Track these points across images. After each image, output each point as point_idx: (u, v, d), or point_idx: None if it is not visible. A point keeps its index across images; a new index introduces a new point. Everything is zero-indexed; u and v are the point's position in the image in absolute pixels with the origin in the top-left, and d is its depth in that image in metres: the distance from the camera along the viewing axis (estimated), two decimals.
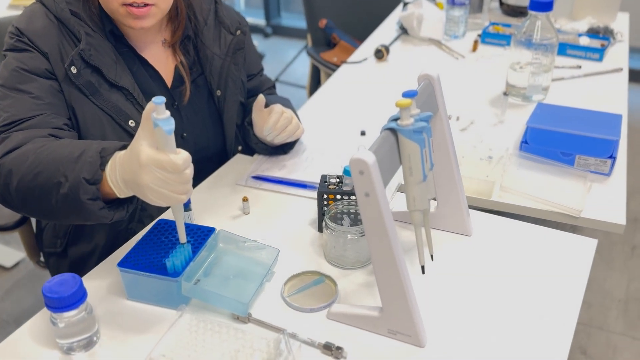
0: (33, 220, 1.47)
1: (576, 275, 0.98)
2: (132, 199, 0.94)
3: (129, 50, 1.18)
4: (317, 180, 1.20)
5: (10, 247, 2.31)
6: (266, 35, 4.44)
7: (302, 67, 3.56)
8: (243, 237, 1.00)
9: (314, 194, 1.19)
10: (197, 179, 1.28)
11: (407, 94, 0.82)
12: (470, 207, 1.11)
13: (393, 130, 0.83)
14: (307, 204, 1.18)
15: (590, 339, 1.90)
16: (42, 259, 1.51)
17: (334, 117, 1.56)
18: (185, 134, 1.25)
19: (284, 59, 3.76)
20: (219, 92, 1.28)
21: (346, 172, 1.07)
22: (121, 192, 0.88)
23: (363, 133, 1.44)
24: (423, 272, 0.91)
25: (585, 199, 1.17)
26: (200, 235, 0.97)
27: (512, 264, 1.01)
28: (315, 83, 2.69)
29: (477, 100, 1.61)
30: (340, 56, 2.35)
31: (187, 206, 1.06)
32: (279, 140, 1.24)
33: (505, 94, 1.49)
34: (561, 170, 1.24)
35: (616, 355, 1.85)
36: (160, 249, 0.94)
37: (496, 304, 0.93)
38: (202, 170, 1.30)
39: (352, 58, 1.93)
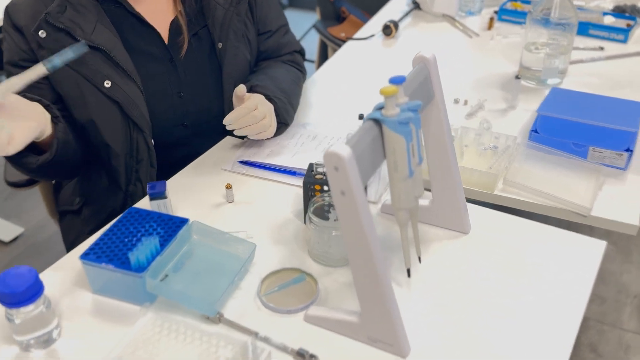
0: None
1: (579, 282, 0.90)
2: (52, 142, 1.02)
3: (120, 6, 1.13)
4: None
5: (10, 221, 2.28)
6: (282, 7, 4.32)
7: (316, 41, 3.44)
8: (218, 230, 0.93)
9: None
10: (200, 144, 1.22)
11: (393, 80, 0.74)
12: (471, 200, 1.02)
13: (377, 121, 0.75)
14: (296, 193, 1.11)
15: (602, 337, 1.81)
16: None
17: (333, 99, 1.47)
18: (182, 93, 1.18)
19: (301, 32, 3.64)
20: (220, 45, 1.20)
21: None
22: None
23: (361, 117, 1.35)
24: (409, 275, 0.83)
25: (595, 195, 1.07)
26: (171, 226, 0.90)
27: (512, 265, 0.93)
28: (323, 59, 2.59)
29: (488, 82, 1.51)
30: (348, 31, 2.25)
31: (162, 194, 0.99)
32: (240, 133, 1.13)
33: (517, 77, 1.38)
34: (572, 163, 1.14)
35: (628, 354, 1.76)
36: (128, 240, 0.88)
37: (492, 310, 0.85)
38: (204, 134, 1.22)
39: (358, 34, 1.83)
